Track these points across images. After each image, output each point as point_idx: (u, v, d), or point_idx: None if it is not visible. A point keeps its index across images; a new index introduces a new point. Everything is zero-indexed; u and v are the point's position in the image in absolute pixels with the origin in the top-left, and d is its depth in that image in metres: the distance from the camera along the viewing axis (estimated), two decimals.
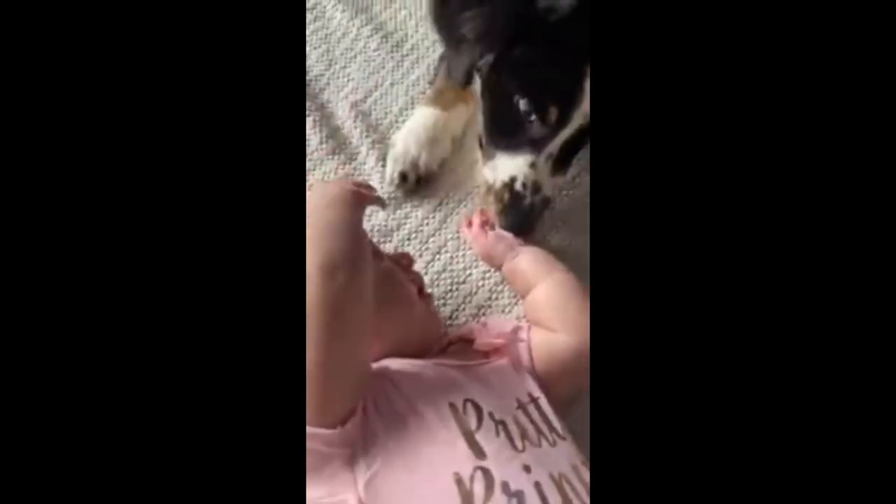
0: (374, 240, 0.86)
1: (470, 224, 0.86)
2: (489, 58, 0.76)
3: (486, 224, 0.84)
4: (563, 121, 0.73)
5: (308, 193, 0.60)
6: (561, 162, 0.78)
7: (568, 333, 0.70)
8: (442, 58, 0.95)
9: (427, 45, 1.03)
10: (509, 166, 0.78)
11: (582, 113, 0.73)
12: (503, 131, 0.79)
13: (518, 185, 0.77)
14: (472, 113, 0.91)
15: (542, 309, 0.75)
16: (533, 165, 0.77)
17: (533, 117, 0.74)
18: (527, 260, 0.80)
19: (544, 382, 0.69)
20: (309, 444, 0.51)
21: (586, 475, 0.58)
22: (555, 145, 0.76)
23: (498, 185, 0.80)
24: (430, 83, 0.95)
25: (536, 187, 0.77)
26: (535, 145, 0.76)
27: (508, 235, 0.82)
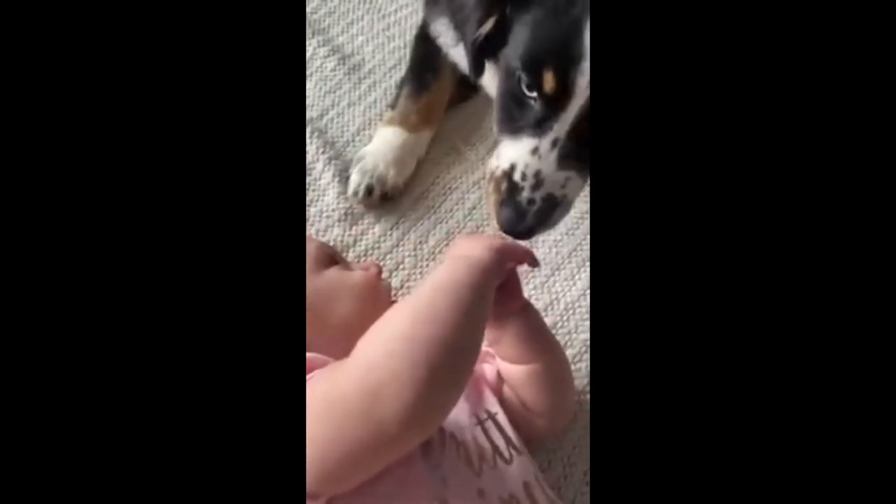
0: None
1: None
2: (490, 25, 0.67)
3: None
4: (563, 91, 0.61)
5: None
6: (572, 155, 0.64)
7: (544, 419, 0.69)
8: (402, 82, 0.98)
9: (384, 70, 1.06)
10: (511, 152, 0.67)
11: (587, 82, 0.59)
12: (509, 113, 0.68)
13: (517, 175, 0.66)
14: (435, 135, 0.94)
15: (521, 387, 0.69)
16: (535, 152, 0.65)
17: (528, 89, 0.64)
18: (516, 331, 0.67)
19: (503, 401, 0.68)
20: None
21: (537, 491, 0.59)
22: (561, 128, 0.63)
23: (498, 172, 0.68)
24: (391, 107, 0.97)
25: (538, 180, 0.65)
26: (538, 127, 0.64)
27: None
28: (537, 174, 0.65)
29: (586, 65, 0.58)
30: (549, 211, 0.67)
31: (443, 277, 0.54)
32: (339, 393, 0.48)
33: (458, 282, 0.53)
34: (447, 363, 0.48)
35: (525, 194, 0.65)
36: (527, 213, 0.65)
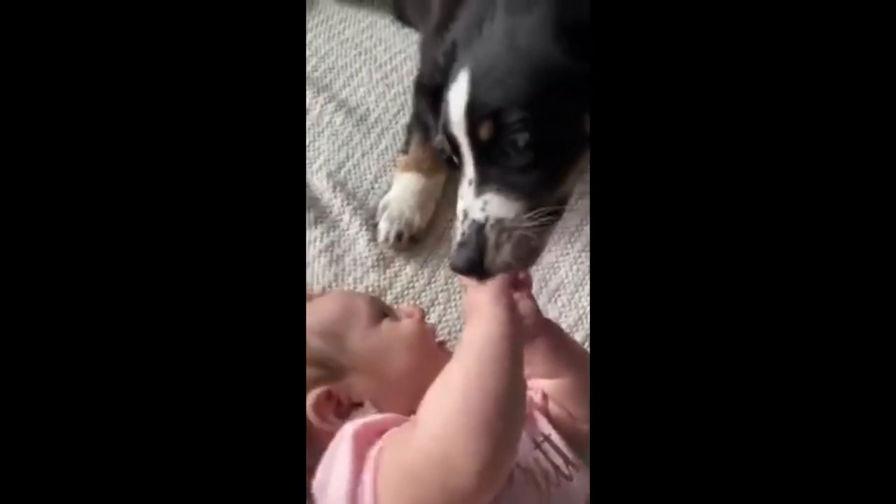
0: None
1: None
2: None
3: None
4: (455, 148, 0.70)
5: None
6: (484, 182, 0.68)
7: (586, 422, 0.74)
8: (410, 128, 1.04)
9: (389, 117, 1.13)
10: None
11: (461, 134, 0.68)
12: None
13: (457, 222, 0.71)
14: (448, 175, 1.01)
15: (561, 397, 0.76)
16: (461, 197, 0.71)
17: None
18: (543, 350, 0.74)
19: (552, 418, 0.75)
20: None
21: None
22: (469, 169, 0.70)
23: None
24: (403, 152, 1.04)
25: (465, 215, 0.69)
26: (462, 178, 0.71)
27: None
28: (465, 212, 0.69)
29: (452, 126, 0.69)
30: (478, 236, 0.67)
31: (477, 335, 0.60)
32: (410, 463, 0.54)
33: (490, 335, 0.59)
34: (507, 405, 0.55)
35: (459, 231, 0.69)
36: (465, 246, 0.68)
